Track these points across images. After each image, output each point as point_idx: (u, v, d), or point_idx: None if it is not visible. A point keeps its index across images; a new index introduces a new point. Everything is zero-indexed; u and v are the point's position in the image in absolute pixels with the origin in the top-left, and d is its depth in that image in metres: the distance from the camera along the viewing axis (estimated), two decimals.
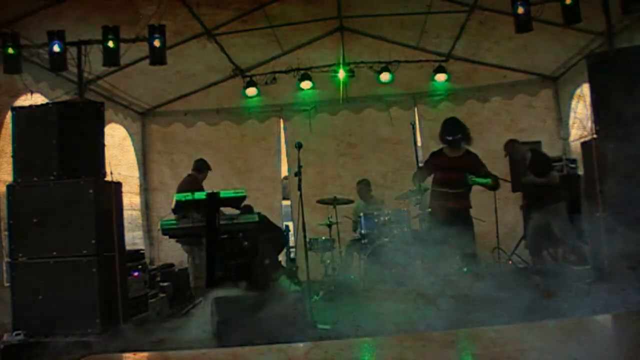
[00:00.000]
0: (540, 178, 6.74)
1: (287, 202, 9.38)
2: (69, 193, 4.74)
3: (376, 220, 7.27)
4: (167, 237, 6.89)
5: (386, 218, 7.17)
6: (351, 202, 8.08)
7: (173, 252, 8.10)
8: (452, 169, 6.08)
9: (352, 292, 7.01)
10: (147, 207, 9.20)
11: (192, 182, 7.34)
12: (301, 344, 3.43)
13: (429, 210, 6.22)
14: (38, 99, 6.41)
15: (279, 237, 7.84)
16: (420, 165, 6.51)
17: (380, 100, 9.13)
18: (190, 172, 7.69)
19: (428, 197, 6.37)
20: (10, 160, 4.96)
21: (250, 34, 7.59)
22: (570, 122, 8.38)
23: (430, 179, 6.45)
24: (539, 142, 8.06)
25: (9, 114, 5.12)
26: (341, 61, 8.31)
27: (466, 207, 6.19)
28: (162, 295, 6.52)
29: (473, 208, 6.31)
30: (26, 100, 6.24)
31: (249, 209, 6.75)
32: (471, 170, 6.08)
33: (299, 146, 5.99)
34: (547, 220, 6.73)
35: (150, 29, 6.10)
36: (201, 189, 6.58)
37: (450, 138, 6.16)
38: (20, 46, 5.89)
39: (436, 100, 9.07)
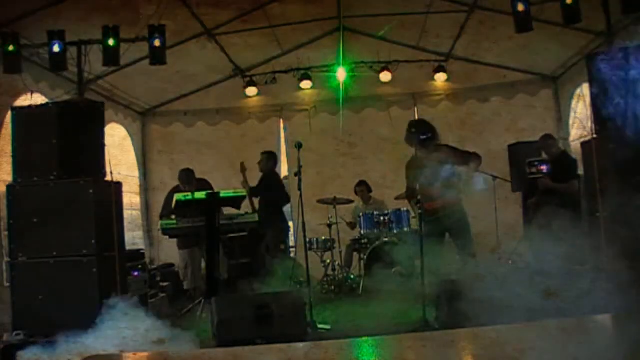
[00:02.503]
0: (558, 183, 6.60)
1: None
2: (69, 193, 4.74)
3: (376, 220, 7.27)
4: (167, 237, 6.92)
5: (386, 218, 7.18)
6: (351, 202, 8.09)
7: (173, 252, 8.09)
8: (430, 169, 6.00)
9: (352, 292, 7.02)
10: (147, 207, 9.19)
11: (173, 190, 7.32)
12: (301, 344, 3.43)
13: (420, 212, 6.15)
14: (38, 99, 6.40)
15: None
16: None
17: (380, 100, 9.12)
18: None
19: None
20: (10, 160, 4.96)
21: (250, 34, 7.59)
22: (570, 122, 8.38)
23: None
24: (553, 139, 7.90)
25: (9, 114, 5.11)
26: (341, 61, 8.32)
27: (457, 202, 6.13)
28: (162, 295, 6.53)
29: (472, 207, 6.28)
30: (26, 100, 6.24)
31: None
32: (448, 162, 6.01)
33: (299, 146, 5.99)
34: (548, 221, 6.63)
35: (150, 29, 6.10)
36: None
37: (424, 137, 6.07)
38: (20, 46, 5.89)
39: (436, 100, 9.06)
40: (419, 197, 5.50)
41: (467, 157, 6.01)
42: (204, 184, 7.15)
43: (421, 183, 5.77)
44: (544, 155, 7.15)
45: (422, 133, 5.97)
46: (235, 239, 6.78)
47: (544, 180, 6.75)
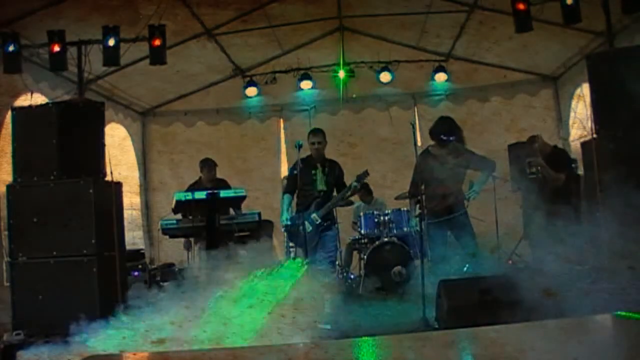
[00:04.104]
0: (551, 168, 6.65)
1: None
2: (69, 193, 4.75)
3: (376, 220, 7.27)
4: (167, 236, 6.91)
5: (386, 218, 7.17)
6: (351, 202, 8.07)
7: (173, 252, 8.10)
8: (444, 167, 5.98)
9: (352, 292, 7.02)
10: (147, 207, 9.20)
11: (193, 184, 7.35)
12: (301, 344, 3.42)
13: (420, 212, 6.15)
14: (38, 99, 6.41)
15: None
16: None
17: (380, 100, 9.13)
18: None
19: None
20: (10, 160, 4.96)
21: (250, 34, 7.60)
22: (570, 122, 8.38)
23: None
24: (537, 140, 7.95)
25: (9, 114, 5.12)
26: (341, 61, 8.32)
27: (461, 203, 6.14)
28: (162, 295, 6.52)
29: (473, 208, 6.30)
30: (26, 100, 6.24)
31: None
32: (464, 163, 6.02)
33: (299, 146, 5.99)
34: (548, 221, 6.66)
35: (150, 29, 6.10)
36: (203, 189, 6.55)
37: (444, 138, 6.04)
38: (20, 46, 5.89)
39: (436, 100, 9.08)
40: (419, 197, 5.48)
41: (483, 162, 6.02)
42: (222, 183, 7.14)
43: (430, 181, 5.72)
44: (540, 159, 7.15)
45: (448, 135, 5.93)
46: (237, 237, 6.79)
47: (537, 160, 6.73)
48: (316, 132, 6.41)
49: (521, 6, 5.90)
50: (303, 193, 6.25)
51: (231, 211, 6.54)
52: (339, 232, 7.67)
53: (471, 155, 6.08)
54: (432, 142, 6.21)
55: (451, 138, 5.96)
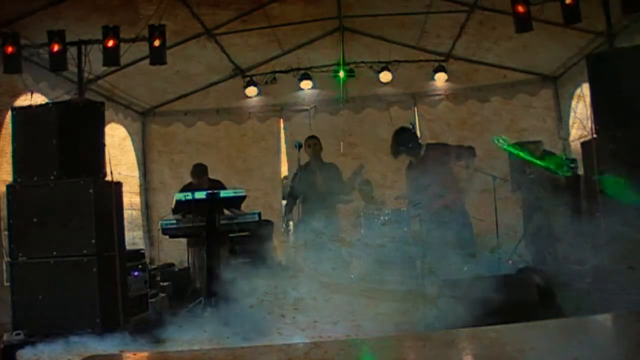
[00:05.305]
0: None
1: None
2: (69, 193, 4.74)
3: (376, 220, 7.27)
4: (167, 237, 6.91)
5: (386, 218, 7.17)
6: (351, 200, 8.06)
7: (173, 252, 8.10)
8: (426, 172, 6.04)
9: (352, 292, 7.01)
10: (147, 207, 9.21)
11: (187, 185, 7.36)
12: (301, 344, 3.43)
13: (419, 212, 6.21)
14: (38, 99, 6.41)
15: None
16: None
17: (380, 100, 9.13)
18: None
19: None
20: (10, 160, 4.95)
21: (250, 34, 7.60)
22: (570, 122, 8.38)
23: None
24: (539, 142, 8.03)
25: (9, 114, 5.11)
26: (341, 61, 8.32)
27: (457, 202, 6.16)
28: (162, 294, 6.52)
29: (473, 208, 6.30)
30: (26, 100, 6.24)
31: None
32: (443, 160, 6.07)
33: (299, 146, 6.00)
34: (548, 221, 6.71)
35: (150, 29, 6.10)
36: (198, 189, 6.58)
37: (410, 145, 6.20)
38: (20, 46, 5.89)
39: (436, 100, 9.07)
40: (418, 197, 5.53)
41: (460, 152, 6.06)
42: (216, 184, 7.15)
43: (421, 188, 5.81)
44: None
45: (406, 143, 6.07)
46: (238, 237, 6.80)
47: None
48: (310, 137, 6.98)
49: (521, 7, 5.90)
50: (306, 197, 6.44)
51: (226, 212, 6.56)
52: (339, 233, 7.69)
53: (448, 148, 6.14)
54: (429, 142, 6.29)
55: (411, 145, 6.17)
